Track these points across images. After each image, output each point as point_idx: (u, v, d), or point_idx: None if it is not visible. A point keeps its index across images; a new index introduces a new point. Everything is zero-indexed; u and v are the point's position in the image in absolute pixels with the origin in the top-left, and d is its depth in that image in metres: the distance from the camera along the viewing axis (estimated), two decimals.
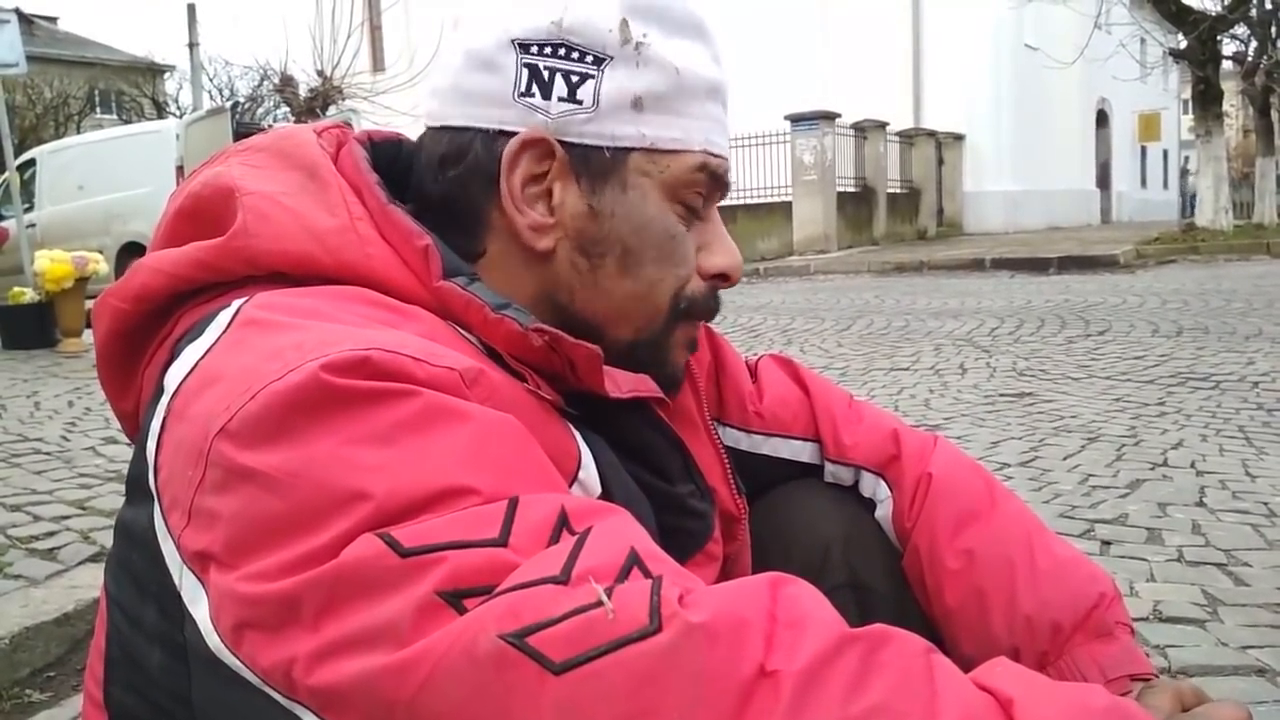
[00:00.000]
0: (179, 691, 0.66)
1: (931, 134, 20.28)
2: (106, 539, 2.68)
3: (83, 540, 2.69)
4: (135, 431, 0.75)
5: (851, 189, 17.61)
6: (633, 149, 0.79)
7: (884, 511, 1.02)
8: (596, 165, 0.79)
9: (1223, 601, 2.25)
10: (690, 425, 0.95)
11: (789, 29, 20.95)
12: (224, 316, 0.68)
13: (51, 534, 2.75)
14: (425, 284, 0.74)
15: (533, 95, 0.77)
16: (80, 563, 2.52)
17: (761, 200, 17.32)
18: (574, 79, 0.77)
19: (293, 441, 0.57)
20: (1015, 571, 0.92)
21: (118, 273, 9.70)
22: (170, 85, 34.23)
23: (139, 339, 0.77)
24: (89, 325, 7.44)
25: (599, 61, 0.78)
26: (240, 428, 0.58)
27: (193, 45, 19.68)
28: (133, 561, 0.69)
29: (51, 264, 6.91)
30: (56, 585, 2.38)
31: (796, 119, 16.66)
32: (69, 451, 3.81)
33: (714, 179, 0.83)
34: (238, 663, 0.58)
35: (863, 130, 17.97)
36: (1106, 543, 2.66)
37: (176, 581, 0.63)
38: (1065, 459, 3.51)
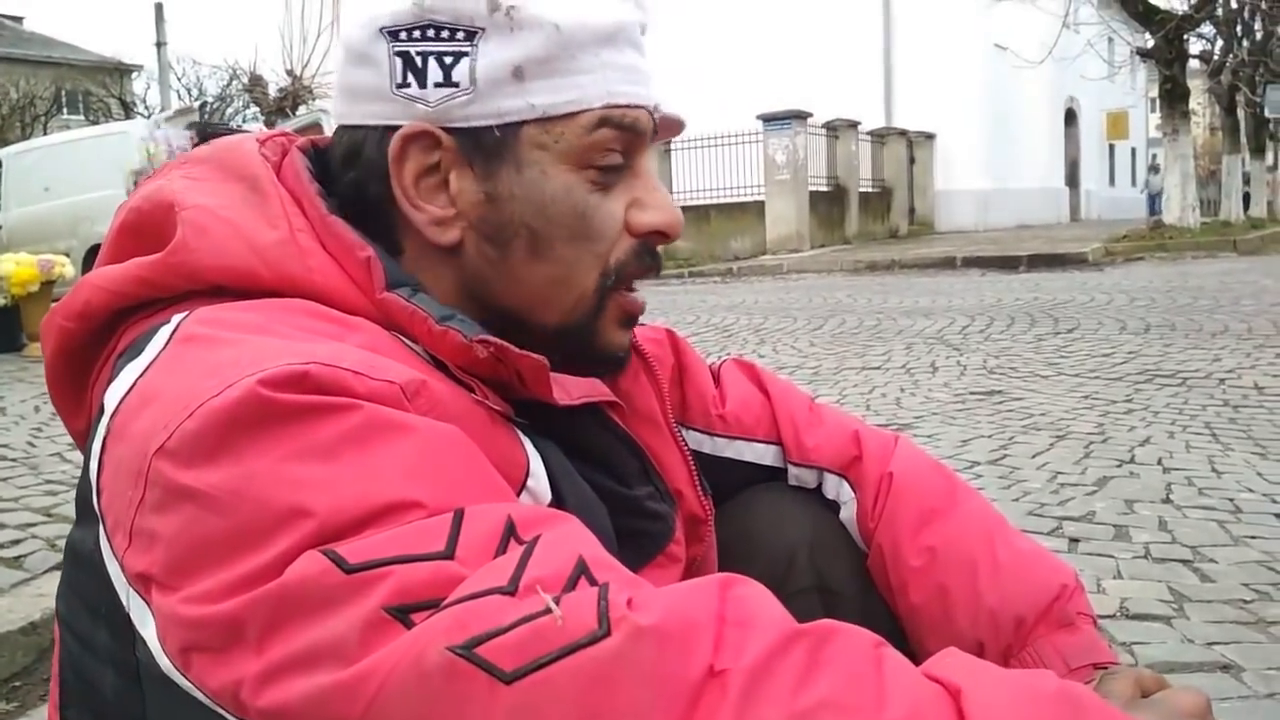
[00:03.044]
0: (134, 713, 0.66)
1: (903, 133, 20.41)
2: None
3: (49, 548, 2.66)
4: None
5: (824, 188, 17.69)
6: (523, 122, 0.74)
7: (848, 513, 1.02)
8: (488, 147, 0.75)
9: (1189, 598, 2.28)
10: (654, 428, 0.95)
11: (760, 28, 21.01)
12: (163, 334, 0.67)
13: (17, 541, 2.72)
14: (368, 296, 0.72)
15: (409, 85, 0.73)
16: (46, 570, 2.49)
17: (734, 200, 17.37)
18: (447, 60, 0.73)
19: (232, 459, 0.56)
20: (977, 567, 0.92)
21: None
22: (138, 85, 33.95)
23: (85, 356, 0.76)
24: None
25: (470, 36, 0.73)
26: (178, 446, 0.58)
27: (160, 45, 19.49)
28: (81, 583, 0.69)
29: (16, 267, 6.84)
30: (23, 593, 2.36)
31: (768, 118, 16.72)
32: (35, 458, 3.77)
33: (627, 130, 0.77)
34: (188, 684, 0.58)
35: (834, 130, 18.05)
36: (1074, 540, 2.68)
37: (125, 603, 0.62)
38: (1034, 457, 3.54)
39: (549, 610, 0.50)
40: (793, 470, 1.05)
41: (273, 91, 19.11)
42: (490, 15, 0.73)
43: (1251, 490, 3.06)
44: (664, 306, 9.73)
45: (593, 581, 0.53)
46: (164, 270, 0.72)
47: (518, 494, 0.69)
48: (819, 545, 1.02)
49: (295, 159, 0.79)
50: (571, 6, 0.74)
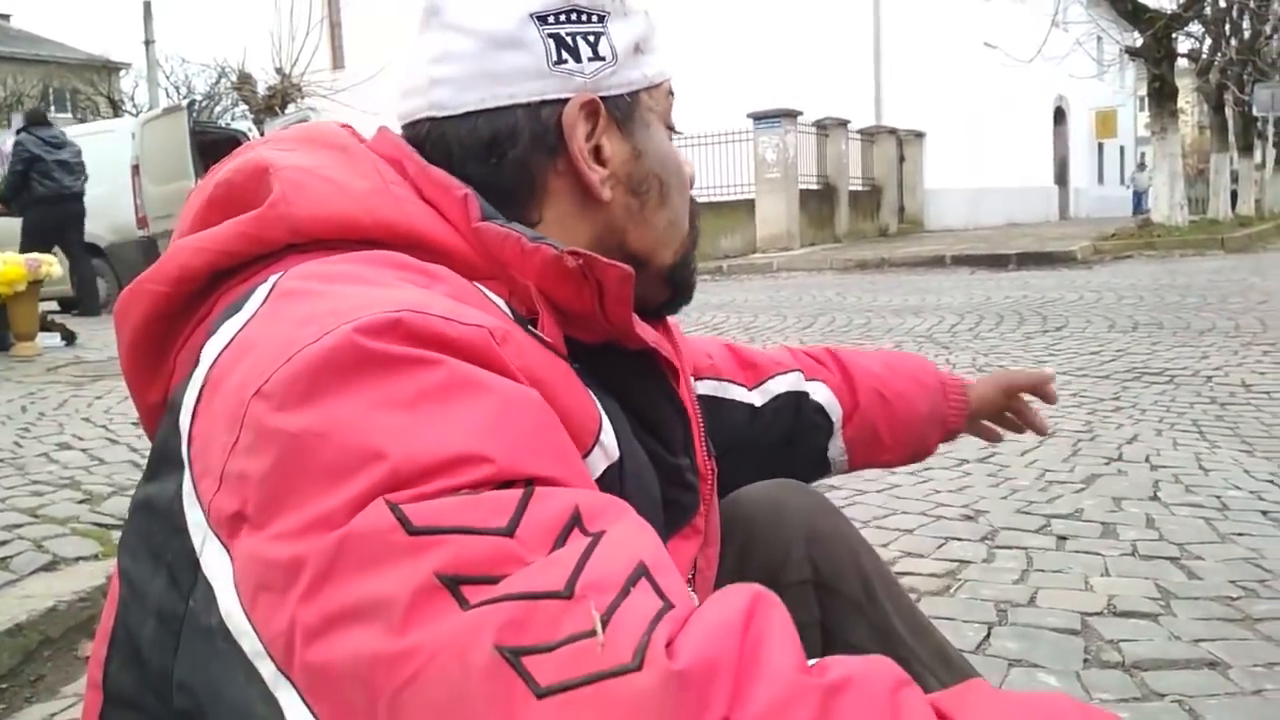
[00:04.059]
0: (163, 663, 0.67)
1: (892, 131, 20.43)
2: (60, 547, 2.64)
3: (36, 549, 2.64)
4: (155, 429, 0.76)
5: (814, 186, 17.70)
6: (640, 90, 0.88)
7: (824, 394, 1.25)
8: (625, 111, 0.87)
9: (1175, 595, 2.29)
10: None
11: (750, 27, 21.00)
12: (261, 291, 0.69)
13: (3, 543, 2.69)
14: (464, 230, 0.77)
15: (566, 61, 0.83)
16: (33, 572, 2.48)
17: (725, 198, 17.36)
18: (591, 39, 0.85)
19: (323, 403, 0.59)
20: (901, 398, 1.30)
21: (72, 275, 9.55)
22: (126, 83, 33.76)
23: (173, 324, 0.77)
24: (44, 328, 7.33)
25: (602, 19, 0.85)
26: (274, 389, 0.60)
27: (149, 43, 19.41)
28: (152, 534, 0.70)
29: (4, 266, 6.77)
30: (9, 595, 2.34)
31: (759, 117, 16.72)
32: (21, 458, 3.74)
33: (672, 96, 0.94)
34: (248, 628, 0.59)
35: (824, 128, 18.06)
36: (1062, 538, 2.69)
37: (197, 548, 0.64)
38: (1022, 454, 3.55)
39: (594, 632, 0.51)
40: (756, 398, 1.21)
41: (261, 90, 19.05)
42: (611, 1, 0.86)
43: (1239, 488, 3.08)
44: None
45: (654, 587, 0.55)
46: (265, 224, 0.74)
47: (589, 450, 0.74)
48: (816, 539, 1.05)
49: (386, 133, 0.86)
50: None
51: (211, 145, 11.92)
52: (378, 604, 0.53)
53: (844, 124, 18.61)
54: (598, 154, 0.85)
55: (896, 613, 1.05)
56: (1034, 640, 2.09)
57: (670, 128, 0.93)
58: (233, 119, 24.24)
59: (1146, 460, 3.40)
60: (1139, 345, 5.71)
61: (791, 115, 16.80)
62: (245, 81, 20.31)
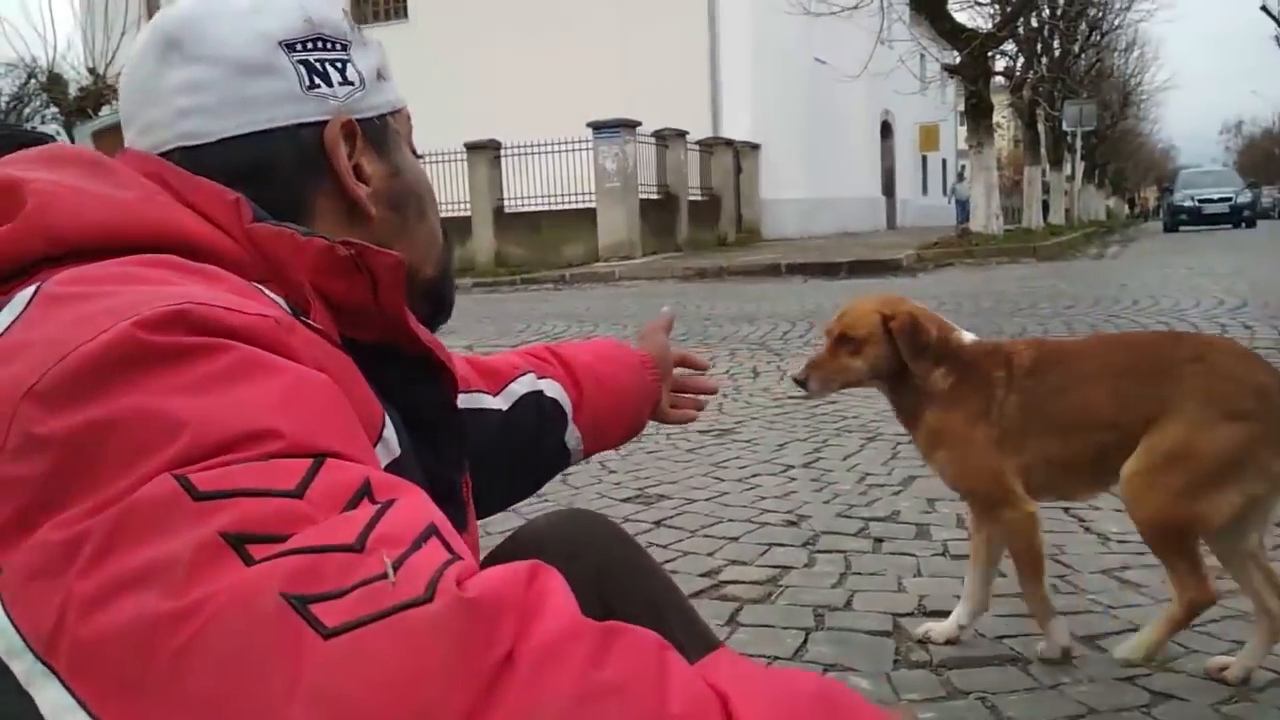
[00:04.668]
0: None
1: (729, 143, 20.88)
2: None
3: None
4: None
5: (654, 196, 17.91)
6: (387, 114, 0.92)
7: (555, 389, 1.31)
8: (378, 133, 0.90)
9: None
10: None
11: (588, 37, 21.12)
12: (22, 296, 0.65)
13: None
14: (236, 234, 0.76)
15: (318, 86, 0.86)
16: None
17: (566, 207, 17.38)
18: (339, 65, 0.88)
19: (104, 396, 0.57)
20: (619, 375, 1.40)
21: None
22: None
23: None
24: None
25: (345, 47, 0.89)
26: (49, 389, 0.57)
27: None
28: None
29: None
30: None
31: (598, 126, 16.82)
32: None
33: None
34: (4, 626, 0.54)
35: (664, 139, 18.30)
36: (879, 540, 2.77)
37: None
38: (845, 459, 3.65)
39: (386, 576, 0.52)
40: (500, 403, 1.26)
41: (73, 91, 18.02)
42: (351, 31, 0.90)
43: None
44: (494, 314, 9.64)
45: (443, 544, 0.56)
46: (20, 235, 0.70)
47: (374, 444, 0.73)
48: (607, 572, 1.03)
49: (137, 152, 0.84)
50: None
51: (19, 149, 11.19)
52: (160, 567, 0.51)
53: (682, 135, 18.90)
54: (359, 173, 0.87)
55: (688, 642, 1.04)
56: (848, 644, 2.13)
57: (413, 151, 0.97)
58: (43, 121, 22.85)
59: None
60: None
61: (630, 126, 16.95)
62: (55, 82, 19.19)
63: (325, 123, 0.85)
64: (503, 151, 17.89)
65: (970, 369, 1.99)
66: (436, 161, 18.08)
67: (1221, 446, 1.78)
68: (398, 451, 0.77)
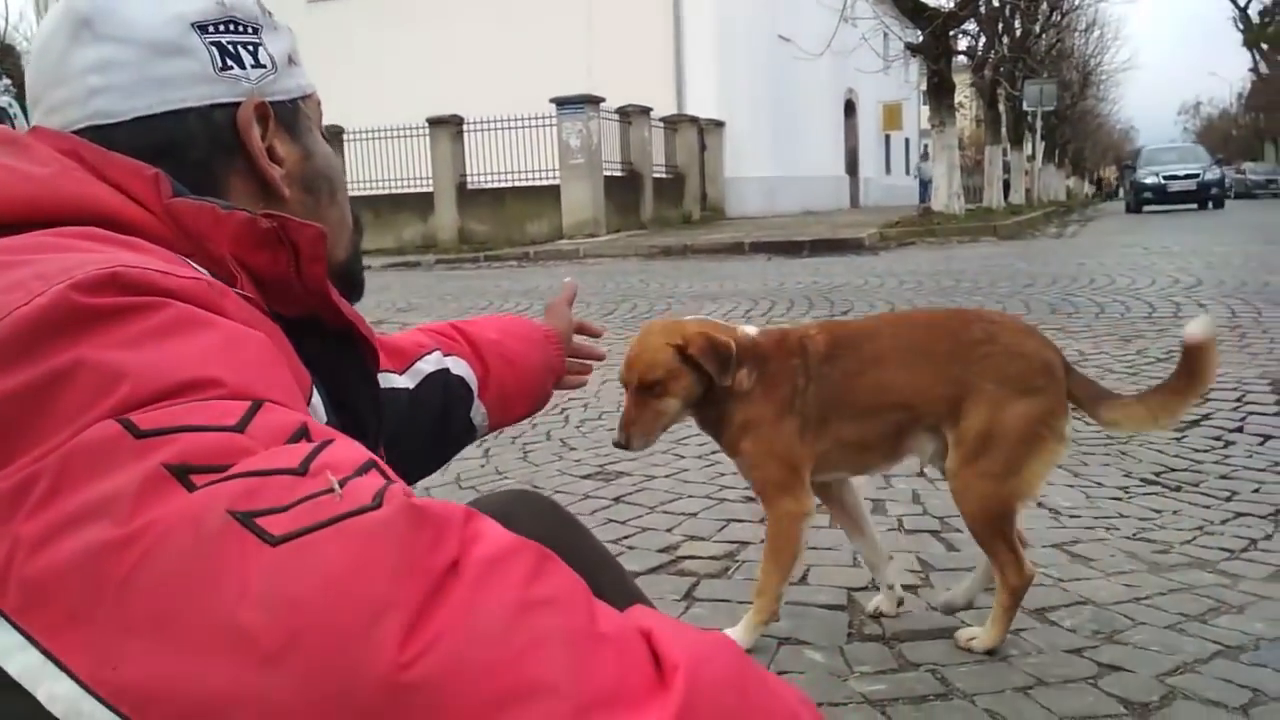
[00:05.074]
0: None
1: (694, 120, 20.84)
2: None
3: None
4: None
5: (619, 173, 17.85)
6: (300, 98, 0.94)
7: (461, 366, 1.34)
8: (290, 116, 0.92)
9: (934, 567, 2.41)
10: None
11: (552, 11, 20.96)
12: None
13: None
14: (155, 209, 0.76)
15: (231, 68, 0.86)
16: None
17: (530, 183, 17.29)
18: (250, 48, 0.89)
19: (41, 358, 0.57)
20: (524, 351, 1.44)
21: None
22: None
23: None
24: None
25: (257, 30, 0.90)
26: None
27: None
28: None
29: None
30: None
31: (561, 102, 16.71)
32: None
33: None
34: None
35: (627, 115, 18.23)
36: None
37: None
38: None
39: (332, 490, 0.54)
40: (407, 381, 1.27)
41: (26, 63, 17.64)
42: (263, 15, 0.91)
43: None
44: (457, 291, 9.58)
45: (382, 474, 0.58)
46: None
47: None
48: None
49: (48, 130, 0.83)
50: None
51: None
52: (104, 501, 0.52)
53: (646, 112, 18.84)
54: (272, 154, 0.89)
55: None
56: (803, 618, 2.15)
57: (324, 136, 0.98)
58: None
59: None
60: None
61: (594, 101, 16.86)
62: (8, 54, 18.75)
63: (238, 104, 0.86)
64: (465, 127, 17.73)
65: (768, 361, 1.96)
66: (398, 137, 17.91)
67: (1026, 423, 1.87)
68: (324, 420, 0.78)
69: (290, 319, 0.81)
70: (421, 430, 1.27)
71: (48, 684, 0.51)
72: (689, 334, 1.92)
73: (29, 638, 0.51)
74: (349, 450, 0.59)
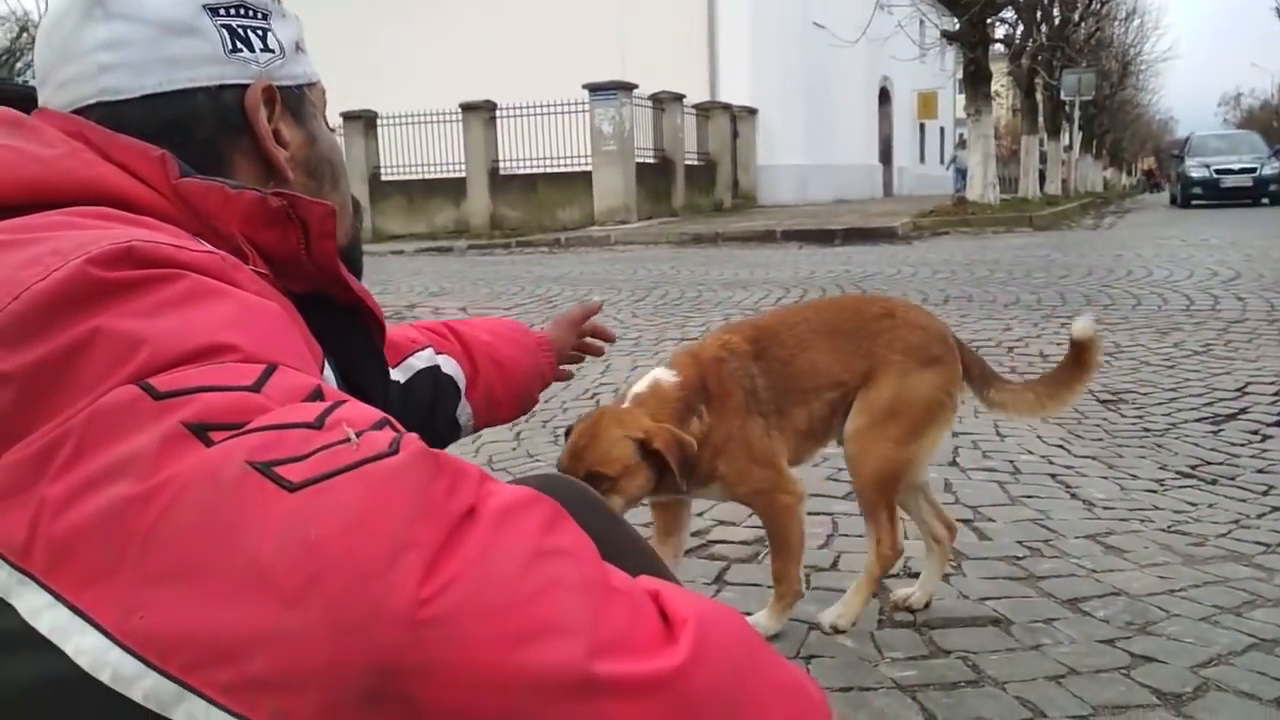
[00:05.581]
0: None
1: (726, 107, 20.75)
2: None
3: None
4: None
5: (650, 160, 17.82)
6: (305, 85, 0.96)
7: (451, 365, 1.36)
8: (296, 101, 0.94)
9: (966, 555, 2.41)
10: None
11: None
12: None
13: None
14: (163, 189, 0.78)
15: (240, 50, 0.88)
16: None
17: (562, 169, 17.29)
18: (260, 32, 0.91)
19: (61, 331, 0.58)
20: (514, 355, 1.47)
21: None
22: None
23: None
24: None
25: (266, 16, 0.92)
26: (5, 328, 0.58)
27: None
28: None
29: None
30: None
31: (595, 88, 16.69)
32: None
33: None
34: None
35: (660, 102, 18.18)
36: None
37: None
38: None
39: (348, 439, 0.56)
40: (401, 373, 1.30)
41: None
42: (271, 2, 0.93)
43: (1031, 452, 3.26)
44: (488, 276, 9.62)
45: (395, 430, 0.60)
46: None
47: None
48: None
49: (54, 112, 0.85)
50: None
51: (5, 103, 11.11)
52: (125, 460, 0.54)
53: (679, 98, 18.78)
54: (278, 137, 0.91)
55: None
56: (833, 603, 2.15)
57: (327, 125, 1.01)
58: (34, 76, 22.59)
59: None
60: (948, 317, 5.97)
61: (627, 88, 16.83)
62: None
63: (246, 86, 0.88)
64: (498, 112, 17.76)
65: (705, 387, 1.86)
66: (432, 122, 17.96)
67: (931, 389, 1.95)
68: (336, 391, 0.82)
69: (299, 295, 0.83)
70: (408, 425, 1.30)
71: (75, 638, 0.53)
72: (648, 428, 1.74)
73: (57, 596, 0.53)
74: (363, 409, 0.61)
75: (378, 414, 0.60)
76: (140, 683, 0.51)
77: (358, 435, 0.56)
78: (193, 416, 0.55)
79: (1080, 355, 2.03)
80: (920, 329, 1.98)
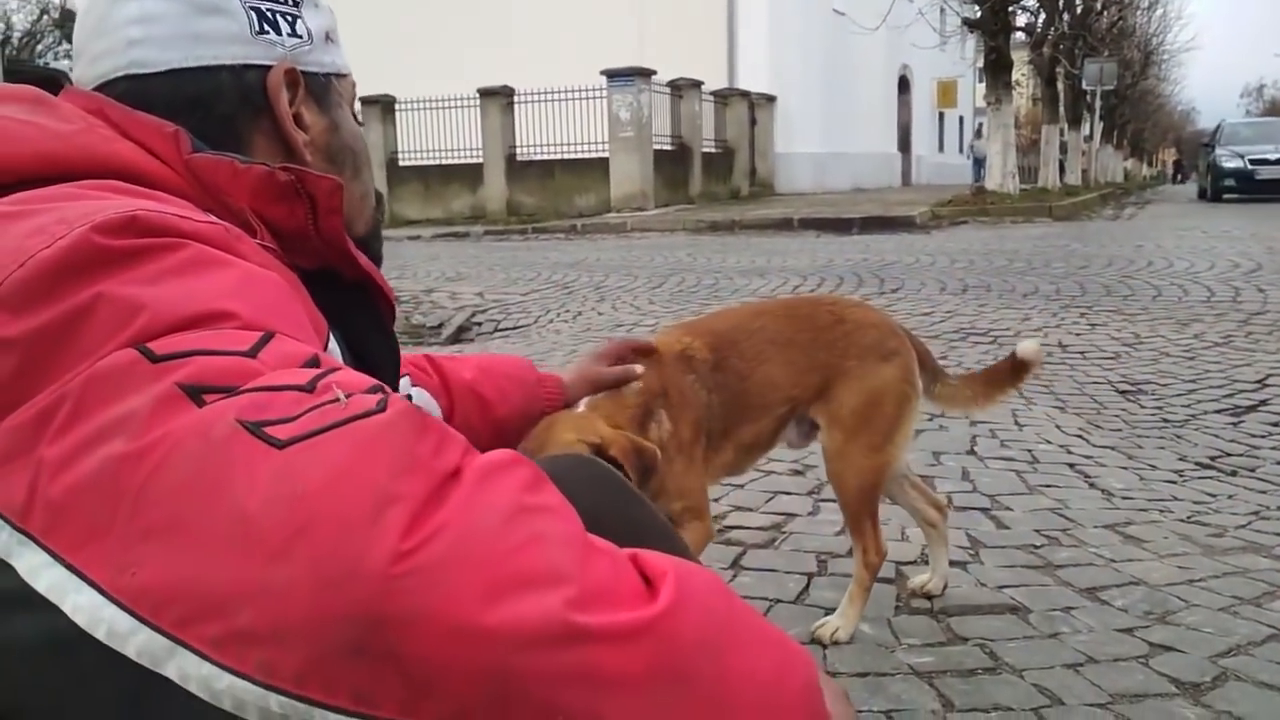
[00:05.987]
0: None
1: (745, 94, 20.66)
2: None
3: None
4: None
5: (668, 147, 17.77)
6: (333, 75, 0.97)
7: (424, 397, 1.34)
8: (321, 88, 0.95)
9: (984, 544, 2.40)
10: None
11: None
12: None
13: None
14: (176, 165, 0.79)
15: (267, 32, 0.90)
16: None
17: (579, 155, 17.26)
18: (289, 18, 0.92)
19: (65, 296, 0.59)
20: (502, 390, 1.44)
21: None
22: None
23: None
24: None
25: (297, 3, 0.94)
26: (9, 293, 0.59)
27: None
28: None
29: None
30: None
31: (612, 74, 16.65)
32: None
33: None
34: None
35: (678, 88, 18.11)
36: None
37: None
38: None
39: (337, 399, 0.57)
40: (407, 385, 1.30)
41: None
42: None
43: (1049, 442, 3.25)
44: (504, 262, 9.63)
45: (384, 394, 0.60)
46: None
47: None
48: (599, 519, 1.01)
49: (77, 90, 0.86)
50: None
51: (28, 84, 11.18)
52: (120, 420, 0.55)
53: (697, 85, 18.71)
54: (298, 121, 0.92)
55: None
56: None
57: (355, 117, 1.02)
58: (55, 58, 22.75)
59: (965, 416, 3.54)
60: (967, 307, 5.96)
61: (645, 74, 16.78)
62: (69, 18, 19.03)
63: (270, 67, 0.90)
64: (516, 98, 17.74)
65: (667, 392, 1.73)
66: (449, 107, 17.96)
67: (895, 384, 1.94)
68: (340, 364, 0.83)
69: (309, 272, 0.84)
70: None
71: (72, 596, 0.54)
72: (607, 434, 1.55)
73: (55, 555, 0.54)
74: (356, 375, 0.62)
75: (370, 380, 0.61)
76: (134, 638, 0.52)
77: (347, 396, 0.57)
78: (187, 378, 0.56)
79: (1018, 369, 2.13)
80: (872, 327, 1.97)
